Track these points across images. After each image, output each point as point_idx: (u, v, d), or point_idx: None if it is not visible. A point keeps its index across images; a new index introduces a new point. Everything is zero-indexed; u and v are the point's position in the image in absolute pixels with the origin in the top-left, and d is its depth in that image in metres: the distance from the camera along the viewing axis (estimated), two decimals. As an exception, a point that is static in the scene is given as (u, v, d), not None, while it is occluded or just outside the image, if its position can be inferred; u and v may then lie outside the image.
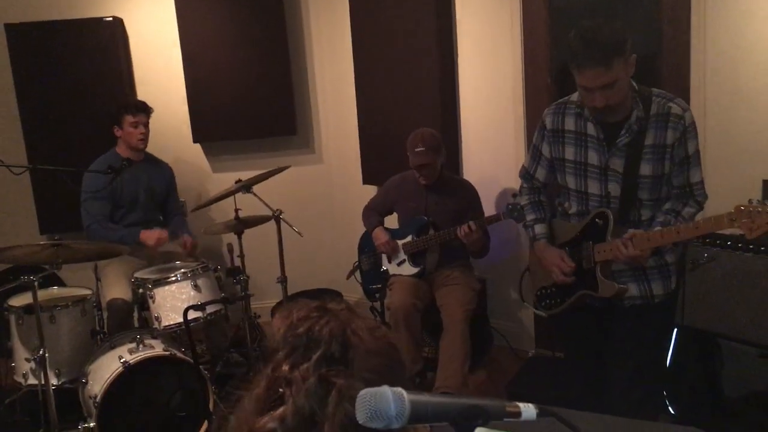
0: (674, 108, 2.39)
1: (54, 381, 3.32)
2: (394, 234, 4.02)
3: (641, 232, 2.39)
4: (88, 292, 3.67)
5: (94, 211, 4.00)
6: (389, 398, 0.75)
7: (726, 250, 3.03)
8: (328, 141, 5.20)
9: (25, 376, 3.42)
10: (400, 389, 0.77)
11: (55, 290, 3.76)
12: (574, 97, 2.53)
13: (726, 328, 2.99)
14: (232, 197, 3.91)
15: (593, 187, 2.52)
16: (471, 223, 3.62)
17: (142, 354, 3.18)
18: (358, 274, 4.27)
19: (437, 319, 3.83)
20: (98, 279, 4.03)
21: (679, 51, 3.47)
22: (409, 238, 3.95)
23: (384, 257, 4.06)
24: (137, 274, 3.71)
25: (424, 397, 0.77)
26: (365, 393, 0.75)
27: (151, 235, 4.01)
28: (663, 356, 2.75)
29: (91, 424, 3.09)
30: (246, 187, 3.79)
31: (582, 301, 2.61)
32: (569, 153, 2.55)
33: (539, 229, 2.76)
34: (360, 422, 0.75)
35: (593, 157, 2.49)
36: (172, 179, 4.46)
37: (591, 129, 2.48)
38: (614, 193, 2.49)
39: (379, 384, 0.82)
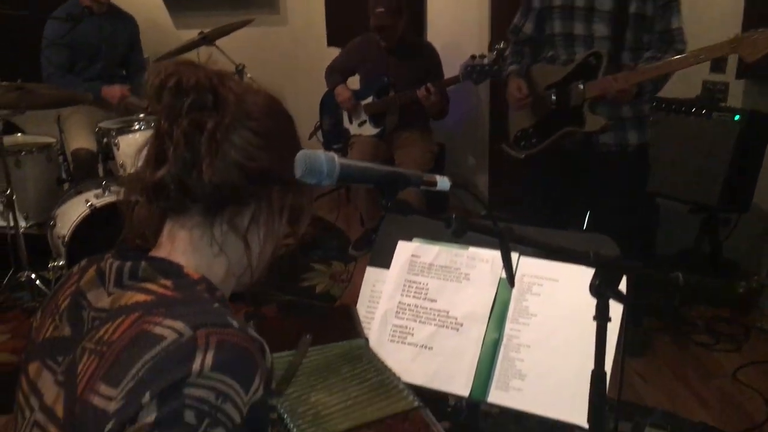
0: None
1: (22, 223, 3.43)
2: (356, 95, 4.09)
3: (632, 65, 2.56)
4: (53, 140, 3.72)
5: (54, 61, 3.96)
6: (322, 159, 0.88)
7: (669, 114, 3.21)
8: (293, 1, 5.13)
9: (-7, 217, 3.52)
10: (332, 153, 0.90)
11: (19, 137, 3.80)
12: None
13: (664, 187, 3.20)
14: (195, 51, 3.91)
15: (579, 29, 2.64)
16: (430, 84, 3.71)
17: (108, 198, 3.29)
18: (319, 134, 4.37)
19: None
20: (61, 130, 4.06)
21: None
22: (369, 99, 4.04)
23: (345, 117, 4.15)
24: (101, 124, 3.75)
25: (352, 161, 0.91)
26: (302, 153, 0.88)
27: (113, 92, 4.00)
28: (641, 204, 2.90)
29: (61, 263, 3.24)
30: (209, 39, 3.79)
31: (562, 140, 2.76)
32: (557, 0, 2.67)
33: (513, 67, 2.90)
34: (297, 177, 0.89)
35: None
36: (136, 33, 4.37)
37: None
38: (599, 34, 2.61)
39: (269, 144, 0.94)
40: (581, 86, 2.65)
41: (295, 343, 1.07)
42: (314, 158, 0.88)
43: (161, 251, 0.96)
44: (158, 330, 0.83)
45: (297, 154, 0.88)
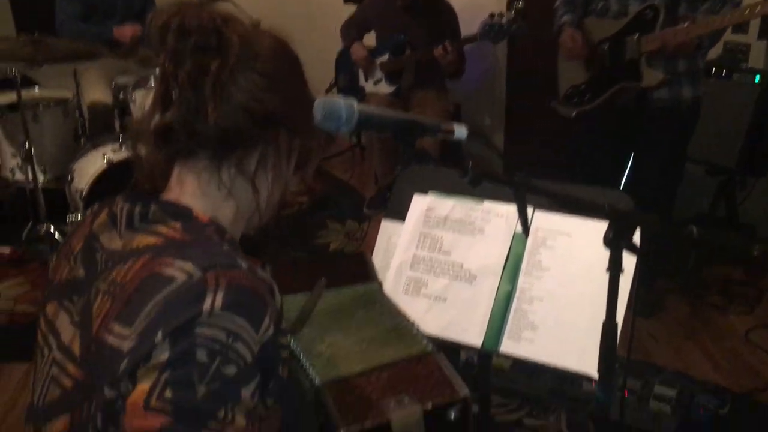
0: None
1: (40, 178, 3.47)
2: (372, 53, 4.06)
3: (690, 17, 2.50)
4: (69, 94, 3.74)
5: (68, 12, 3.94)
6: (341, 104, 0.89)
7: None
8: (309, -43, 5.07)
9: (12, 171, 3.57)
10: (351, 99, 0.91)
11: (36, 91, 3.81)
12: None
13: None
14: (210, 7, 3.87)
15: None
16: (447, 43, 3.67)
17: (125, 153, 3.31)
18: (335, 91, 4.35)
19: (410, 137, 3.98)
20: (78, 84, 4.06)
21: None
22: (385, 57, 4.01)
23: (361, 76, 4.13)
24: (117, 79, 3.76)
25: (371, 108, 0.92)
26: (320, 100, 0.89)
27: (124, 32, 3.96)
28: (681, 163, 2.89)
29: (79, 216, 3.28)
30: (224, -6, 3.75)
31: (616, 97, 2.72)
32: None
33: (566, 17, 2.83)
34: (316, 123, 0.90)
35: None
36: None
37: None
38: None
39: (275, 86, 0.93)
40: (638, 40, 2.60)
41: (310, 287, 1.09)
42: (333, 104, 0.88)
43: (171, 195, 0.97)
44: (168, 271, 0.84)
45: (315, 100, 0.89)
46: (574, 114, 2.84)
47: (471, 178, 0.96)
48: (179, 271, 0.84)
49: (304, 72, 1.02)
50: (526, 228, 1.02)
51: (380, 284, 1.15)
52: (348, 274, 1.15)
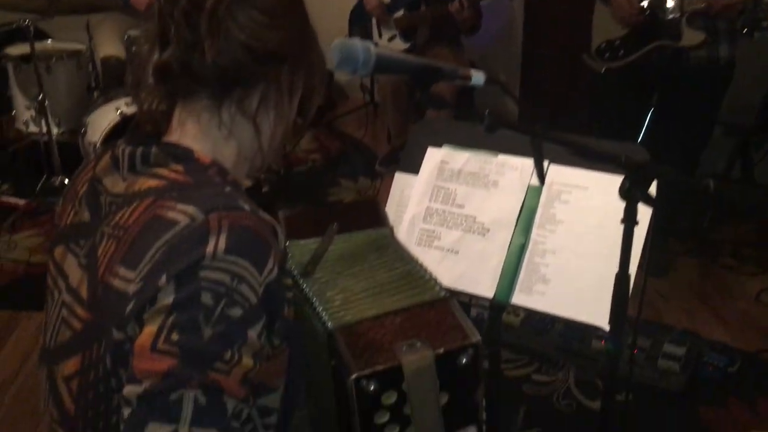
0: None
1: (54, 130, 3.47)
2: (387, 9, 4.00)
3: None
4: (82, 47, 3.72)
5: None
6: (358, 47, 0.88)
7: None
8: None
9: (26, 123, 3.58)
10: (368, 42, 0.90)
11: (48, 43, 3.80)
12: None
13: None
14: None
15: None
16: (463, -2, 3.61)
17: (138, 106, 3.31)
18: (349, 47, 4.30)
19: (424, 95, 3.95)
20: (90, 37, 4.04)
21: None
22: (400, 12, 3.95)
23: (375, 32, 4.08)
24: (130, 32, 3.73)
25: (389, 52, 0.91)
26: (338, 42, 0.88)
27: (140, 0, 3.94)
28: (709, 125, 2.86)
29: (92, 169, 3.30)
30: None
31: (650, 55, 2.68)
32: None
33: None
34: (333, 66, 0.89)
35: None
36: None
37: None
38: None
39: (276, 22, 0.91)
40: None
41: (322, 233, 1.09)
42: (350, 46, 0.87)
43: (172, 136, 0.96)
44: (171, 214, 0.84)
45: (333, 42, 0.88)
46: (603, 69, 2.79)
47: (488, 124, 0.96)
48: (182, 214, 0.84)
49: (305, 6, 1.00)
50: (542, 177, 1.01)
51: (392, 229, 1.15)
52: (360, 220, 1.14)
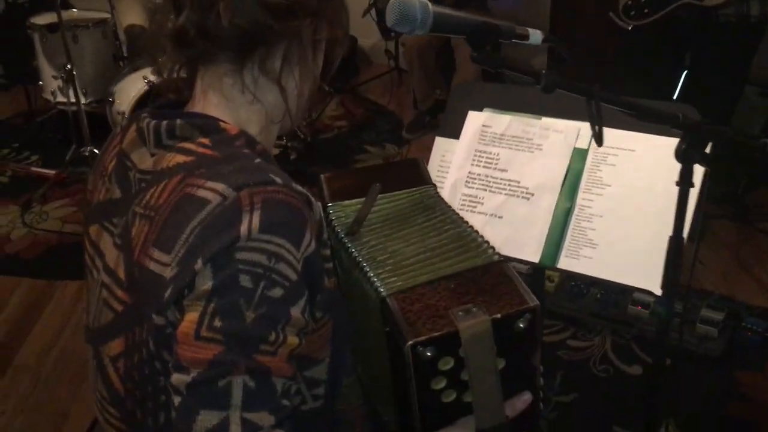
0: None
1: (82, 100, 3.47)
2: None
3: None
4: (107, 15, 3.70)
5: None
6: (416, 5, 0.85)
7: None
8: None
9: (53, 93, 3.58)
10: (425, 0, 0.87)
11: (74, 12, 3.78)
12: None
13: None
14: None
15: None
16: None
17: (165, 75, 3.29)
18: (373, 12, 4.25)
19: (452, 59, 3.90)
20: (113, 6, 4.01)
21: None
22: (427, -25, 3.88)
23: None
24: None
25: (446, 10, 0.88)
26: (394, 0, 0.85)
27: None
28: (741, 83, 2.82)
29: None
30: None
31: (678, 12, 2.63)
32: None
33: None
34: (389, 25, 0.86)
35: None
36: None
37: None
38: None
39: None
40: None
41: (364, 193, 1.06)
42: (408, 5, 0.85)
43: (196, 105, 0.94)
44: (201, 193, 0.82)
45: (390, 1, 0.85)
46: (630, 27, 2.73)
47: (545, 84, 0.93)
48: (212, 192, 0.82)
49: None
50: (599, 139, 0.98)
51: (435, 186, 1.12)
52: (403, 179, 1.11)
